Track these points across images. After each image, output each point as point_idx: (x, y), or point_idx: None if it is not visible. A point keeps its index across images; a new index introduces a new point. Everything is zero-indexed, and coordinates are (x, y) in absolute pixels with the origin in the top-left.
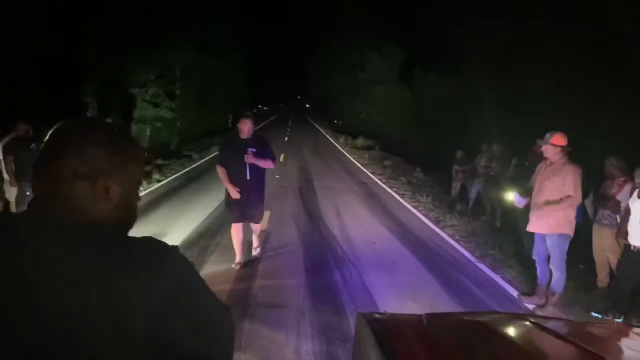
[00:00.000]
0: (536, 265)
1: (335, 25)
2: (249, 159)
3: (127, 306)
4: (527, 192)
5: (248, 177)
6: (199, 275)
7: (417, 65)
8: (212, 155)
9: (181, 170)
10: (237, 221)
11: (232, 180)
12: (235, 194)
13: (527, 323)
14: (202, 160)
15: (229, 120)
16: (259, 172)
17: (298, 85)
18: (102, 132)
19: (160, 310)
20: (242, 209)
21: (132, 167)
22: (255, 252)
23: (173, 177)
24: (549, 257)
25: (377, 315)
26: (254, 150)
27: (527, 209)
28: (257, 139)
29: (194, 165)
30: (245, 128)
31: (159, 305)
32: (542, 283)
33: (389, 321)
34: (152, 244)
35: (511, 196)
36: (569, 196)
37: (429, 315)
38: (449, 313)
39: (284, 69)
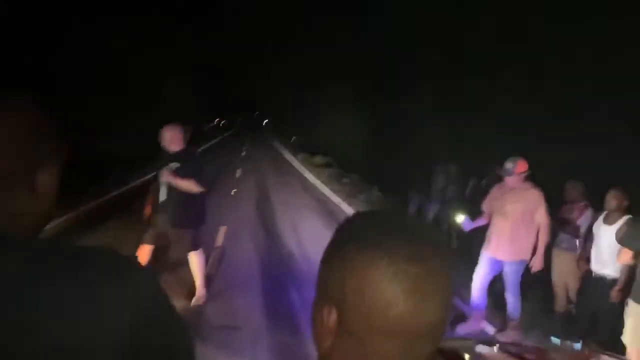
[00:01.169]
0: (473, 287)
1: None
2: (164, 176)
3: (98, 335)
4: (479, 216)
5: (162, 198)
6: (164, 289)
7: (373, 89)
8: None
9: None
10: (144, 242)
11: (151, 200)
12: (144, 215)
13: (494, 349)
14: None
15: (188, 134)
16: (184, 195)
17: (256, 100)
18: (28, 110)
19: (137, 334)
20: (155, 234)
21: (60, 148)
22: (194, 301)
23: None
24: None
25: None
26: (176, 166)
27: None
28: (185, 154)
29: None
30: (165, 139)
31: (135, 330)
32: (477, 308)
33: None
34: (114, 256)
35: (460, 218)
36: (542, 225)
37: None
38: None
39: (241, 83)
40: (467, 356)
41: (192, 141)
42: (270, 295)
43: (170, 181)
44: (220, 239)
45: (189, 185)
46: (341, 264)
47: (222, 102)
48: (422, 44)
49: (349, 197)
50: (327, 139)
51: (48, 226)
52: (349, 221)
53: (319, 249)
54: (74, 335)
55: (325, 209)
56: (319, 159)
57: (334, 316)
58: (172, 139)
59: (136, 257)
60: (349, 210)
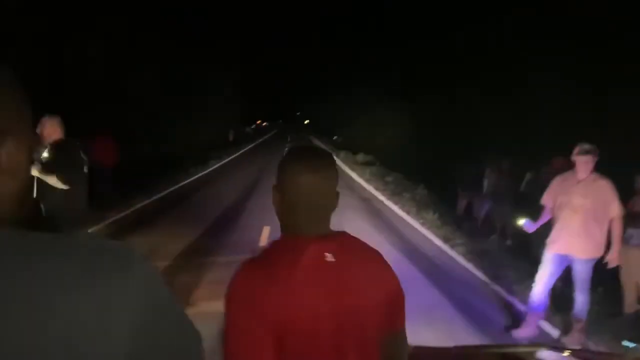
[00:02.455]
0: (535, 288)
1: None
2: (33, 170)
3: (90, 342)
4: (539, 212)
5: (34, 194)
6: (169, 290)
7: (416, 82)
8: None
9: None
10: None
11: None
12: None
13: (563, 356)
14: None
15: (231, 134)
16: (55, 193)
17: (297, 101)
18: None
19: (132, 345)
20: None
21: (27, 114)
22: None
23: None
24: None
25: None
26: (44, 157)
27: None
28: (62, 145)
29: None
30: (43, 129)
31: (129, 339)
32: (537, 311)
33: (414, 356)
34: (110, 248)
35: (522, 221)
36: (616, 218)
37: (458, 348)
38: (482, 345)
39: (283, 84)
40: None
41: (235, 143)
42: None
43: (36, 174)
44: (264, 239)
45: (53, 180)
46: (284, 167)
47: (262, 103)
48: (469, 34)
49: (393, 196)
50: (369, 137)
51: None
52: (290, 150)
53: None
54: (79, 328)
55: (371, 208)
56: (361, 157)
57: (279, 195)
58: (49, 129)
59: (133, 249)
60: (394, 208)
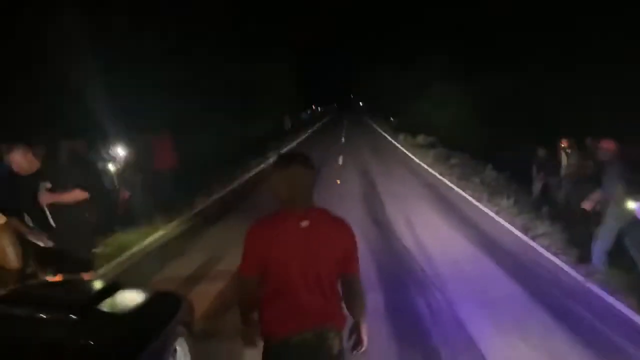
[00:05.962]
0: None
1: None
2: (42, 200)
3: None
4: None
5: (53, 224)
6: None
7: (479, 59)
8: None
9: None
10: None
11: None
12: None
13: None
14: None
15: (287, 122)
16: (66, 212)
17: (351, 82)
18: None
19: None
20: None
21: None
22: None
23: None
24: None
25: None
26: (48, 185)
27: None
28: (47, 168)
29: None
30: (17, 162)
31: None
32: None
33: None
34: None
35: (632, 206)
36: None
37: None
38: None
39: (335, 66)
40: None
41: (292, 130)
42: (394, 306)
43: (53, 201)
44: None
45: (75, 195)
46: (285, 164)
47: (316, 88)
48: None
49: (460, 180)
50: (428, 118)
51: None
52: (285, 154)
53: (439, 243)
54: None
55: (437, 195)
56: (421, 139)
57: (281, 181)
58: (25, 160)
59: None
60: (464, 195)
